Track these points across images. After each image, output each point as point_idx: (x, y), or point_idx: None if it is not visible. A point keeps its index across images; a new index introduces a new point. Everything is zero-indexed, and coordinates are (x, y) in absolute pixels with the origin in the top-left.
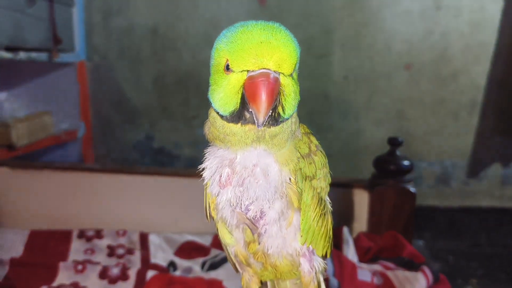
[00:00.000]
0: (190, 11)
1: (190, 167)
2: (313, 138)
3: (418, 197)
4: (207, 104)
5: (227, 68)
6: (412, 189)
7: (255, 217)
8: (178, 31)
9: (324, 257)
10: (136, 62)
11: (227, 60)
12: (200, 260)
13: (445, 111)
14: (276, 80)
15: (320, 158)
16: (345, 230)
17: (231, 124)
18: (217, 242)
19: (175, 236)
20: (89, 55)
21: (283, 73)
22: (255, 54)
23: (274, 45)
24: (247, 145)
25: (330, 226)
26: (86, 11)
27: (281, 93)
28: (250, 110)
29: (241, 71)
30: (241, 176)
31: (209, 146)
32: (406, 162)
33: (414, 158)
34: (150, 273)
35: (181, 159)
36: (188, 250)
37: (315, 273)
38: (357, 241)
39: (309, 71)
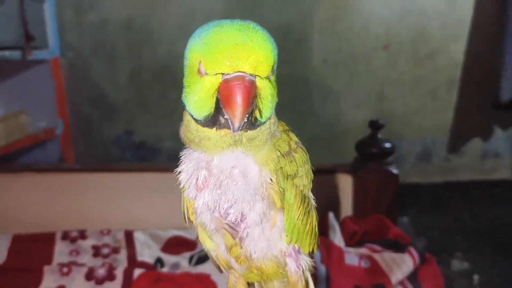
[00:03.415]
0: (164, 4)
1: (172, 160)
2: (292, 135)
3: (401, 176)
4: None
5: (201, 70)
6: (395, 171)
7: (236, 221)
8: (153, 24)
9: (311, 254)
10: (111, 57)
11: (201, 62)
12: (188, 254)
13: (424, 89)
14: (252, 84)
15: (301, 155)
16: (331, 216)
17: (205, 129)
18: None
19: (161, 232)
20: (63, 51)
21: (259, 76)
22: (230, 56)
23: (250, 47)
24: (223, 149)
25: (315, 222)
26: (57, 6)
27: (258, 97)
28: (225, 115)
29: (216, 74)
30: (218, 179)
31: (185, 148)
32: (387, 144)
33: (396, 138)
34: (137, 272)
35: (162, 152)
36: (175, 245)
37: (302, 271)
38: (342, 226)
39: (288, 56)
